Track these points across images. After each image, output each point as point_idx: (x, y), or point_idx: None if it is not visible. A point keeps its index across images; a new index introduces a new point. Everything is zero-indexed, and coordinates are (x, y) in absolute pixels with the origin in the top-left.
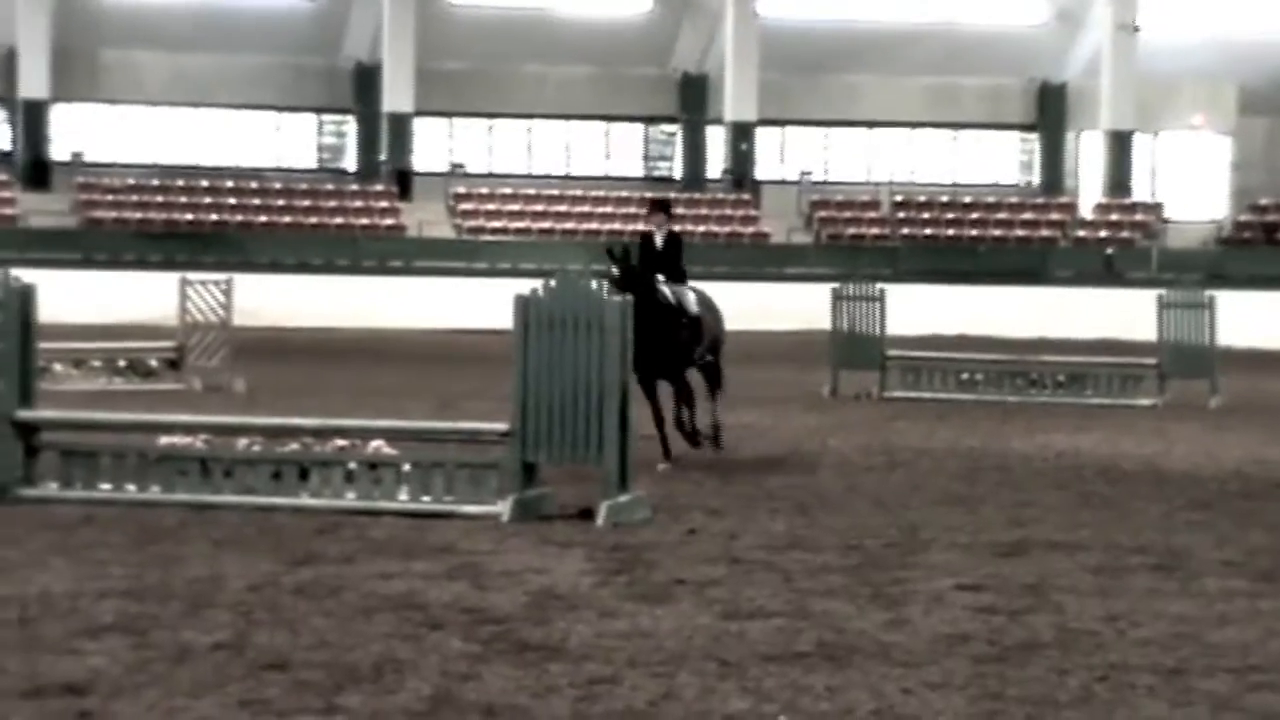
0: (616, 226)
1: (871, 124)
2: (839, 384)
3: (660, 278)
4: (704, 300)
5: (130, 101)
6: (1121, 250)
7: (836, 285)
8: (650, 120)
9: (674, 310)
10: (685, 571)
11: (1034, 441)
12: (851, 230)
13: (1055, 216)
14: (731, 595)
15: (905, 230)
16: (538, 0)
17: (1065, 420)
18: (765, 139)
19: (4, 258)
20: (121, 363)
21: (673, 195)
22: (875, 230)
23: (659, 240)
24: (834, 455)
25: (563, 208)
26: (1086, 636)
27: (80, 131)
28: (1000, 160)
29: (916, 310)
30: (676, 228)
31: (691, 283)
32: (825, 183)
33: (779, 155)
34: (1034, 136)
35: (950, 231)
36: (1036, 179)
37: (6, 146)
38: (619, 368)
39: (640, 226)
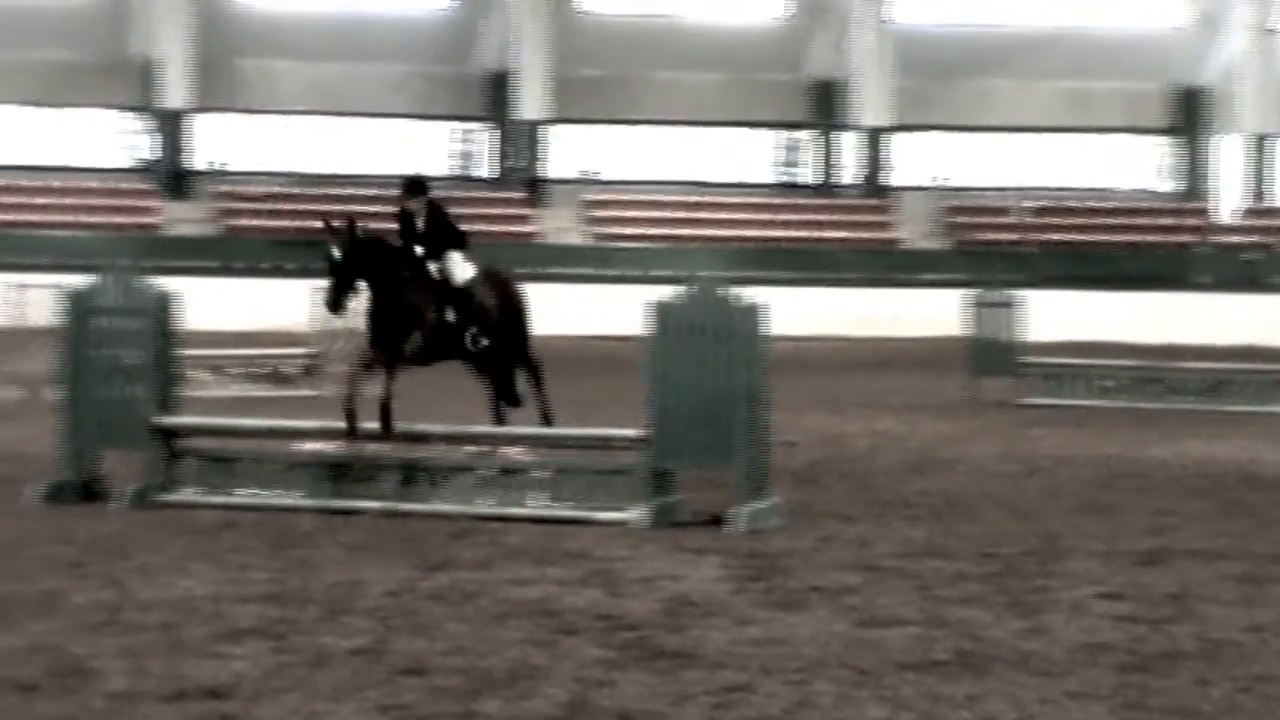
0: (749, 233)
1: (1006, 129)
2: (975, 391)
3: (418, 250)
4: (491, 275)
5: (268, 111)
6: (1261, 256)
7: (972, 292)
8: (783, 126)
9: (426, 280)
10: (820, 578)
11: (1173, 449)
12: (986, 236)
13: (1193, 222)
14: (867, 603)
15: (1041, 236)
16: (670, 7)
17: (1204, 427)
18: (899, 144)
19: (145, 266)
20: (259, 370)
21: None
22: (1010, 236)
23: (420, 222)
24: (970, 462)
25: (695, 214)
26: (1230, 647)
27: (220, 141)
28: (1137, 165)
29: (1052, 316)
30: (436, 200)
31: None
32: (960, 188)
33: (913, 161)
34: (1172, 141)
35: (1086, 237)
36: (1175, 184)
37: (148, 156)
38: (754, 374)
39: (678, 229)
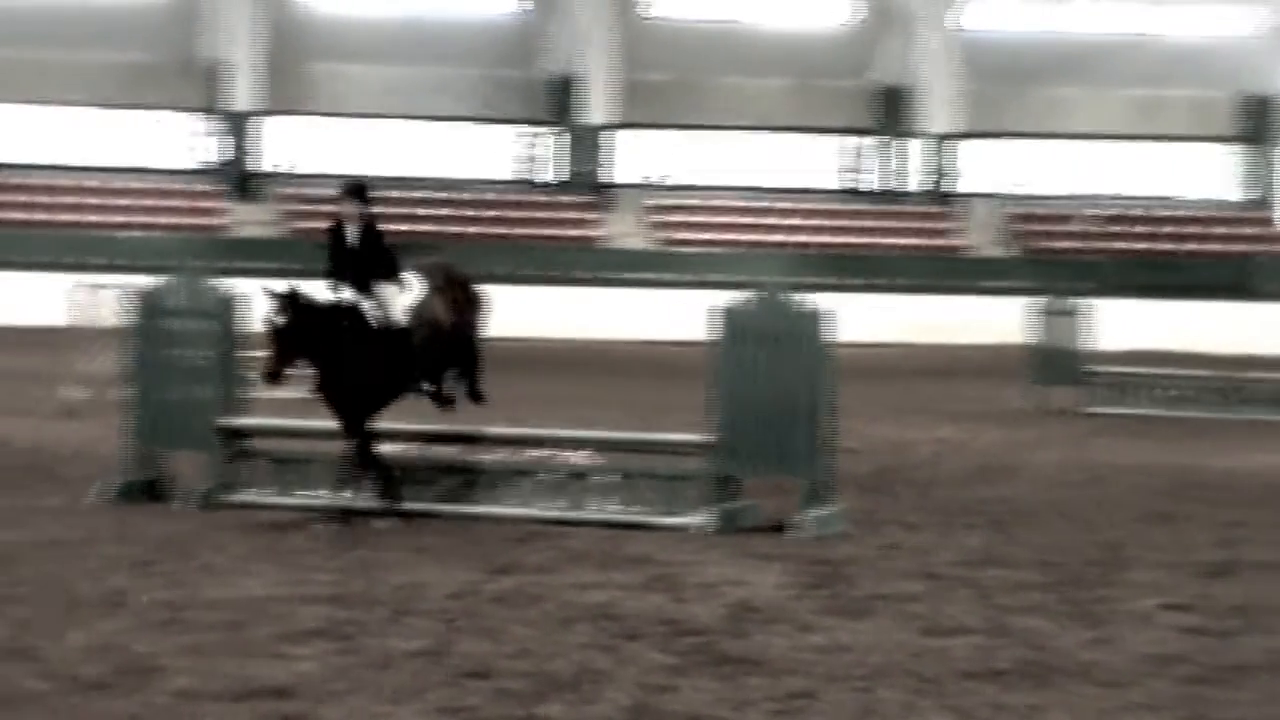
0: (813, 239)
1: (1074, 136)
2: (1039, 399)
3: (346, 294)
4: (439, 284)
5: (336, 114)
6: None
7: (1037, 299)
8: (848, 132)
9: (370, 337)
10: (884, 586)
11: (1240, 459)
12: (1052, 244)
13: (1262, 230)
14: (930, 611)
15: (1108, 244)
16: (736, 12)
17: (1271, 438)
18: (966, 151)
19: (213, 267)
20: None
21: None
22: (1076, 244)
23: (352, 233)
24: (1033, 471)
25: (759, 220)
26: None
27: (287, 143)
28: (1206, 173)
29: (1118, 325)
30: (371, 215)
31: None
32: (1026, 196)
33: (980, 168)
34: (1241, 149)
35: (1154, 245)
36: (1243, 193)
37: (216, 158)
38: (817, 380)
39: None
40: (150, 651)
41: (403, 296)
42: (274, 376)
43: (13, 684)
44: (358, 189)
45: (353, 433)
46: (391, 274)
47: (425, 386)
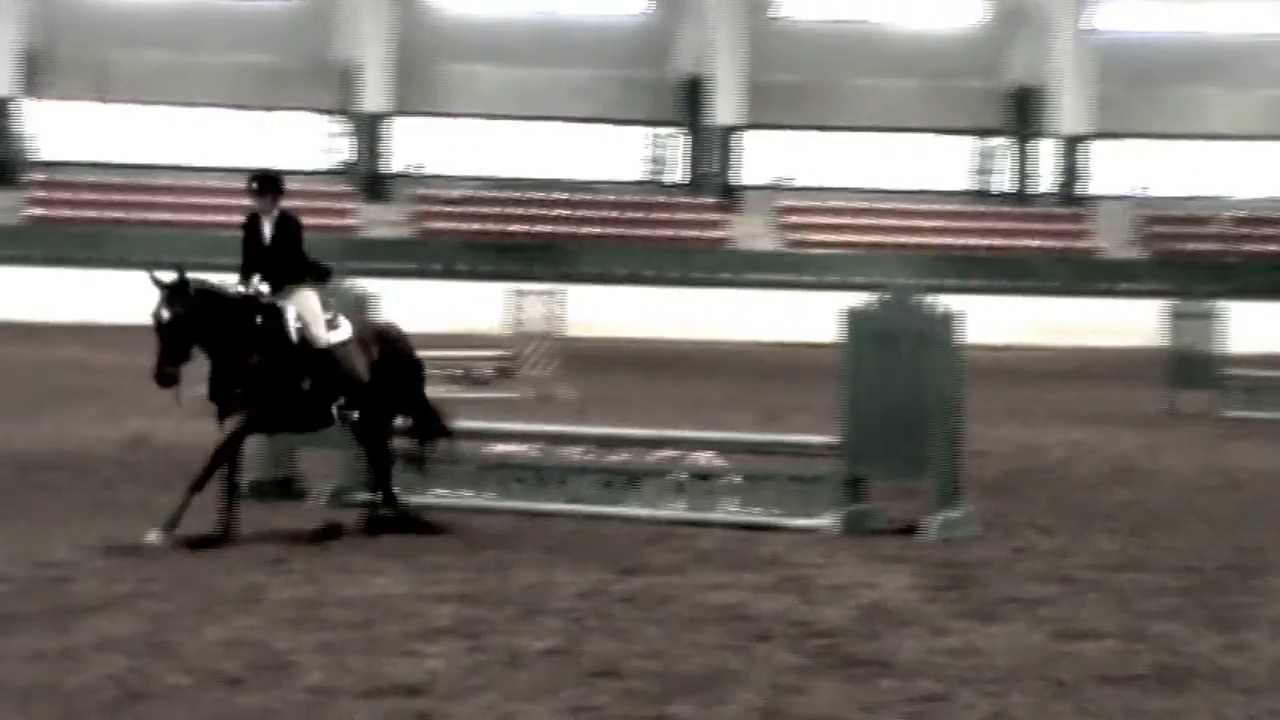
0: (942, 240)
1: (1207, 137)
2: (1173, 403)
3: (263, 289)
4: (373, 334)
5: (466, 115)
6: None
7: (1172, 302)
8: (978, 133)
9: (280, 341)
10: (1016, 589)
11: None
12: (1186, 246)
13: None
14: (1064, 615)
15: (1243, 246)
16: (865, 13)
17: None
18: (1098, 152)
19: (344, 267)
20: (454, 372)
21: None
22: (1211, 246)
23: (268, 228)
24: (1168, 475)
25: (889, 221)
26: None
27: (417, 144)
28: None
29: (1254, 328)
30: (290, 210)
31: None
32: (1160, 197)
33: (1112, 169)
34: None
35: None
36: None
37: (348, 159)
38: (947, 382)
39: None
40: (285, 648)
41: (340, 327)
42: (165, 379)
43: (153, 678)
44: (270, 180)
45: (229, 447)
46: (305, 275)
47: (341, 419)
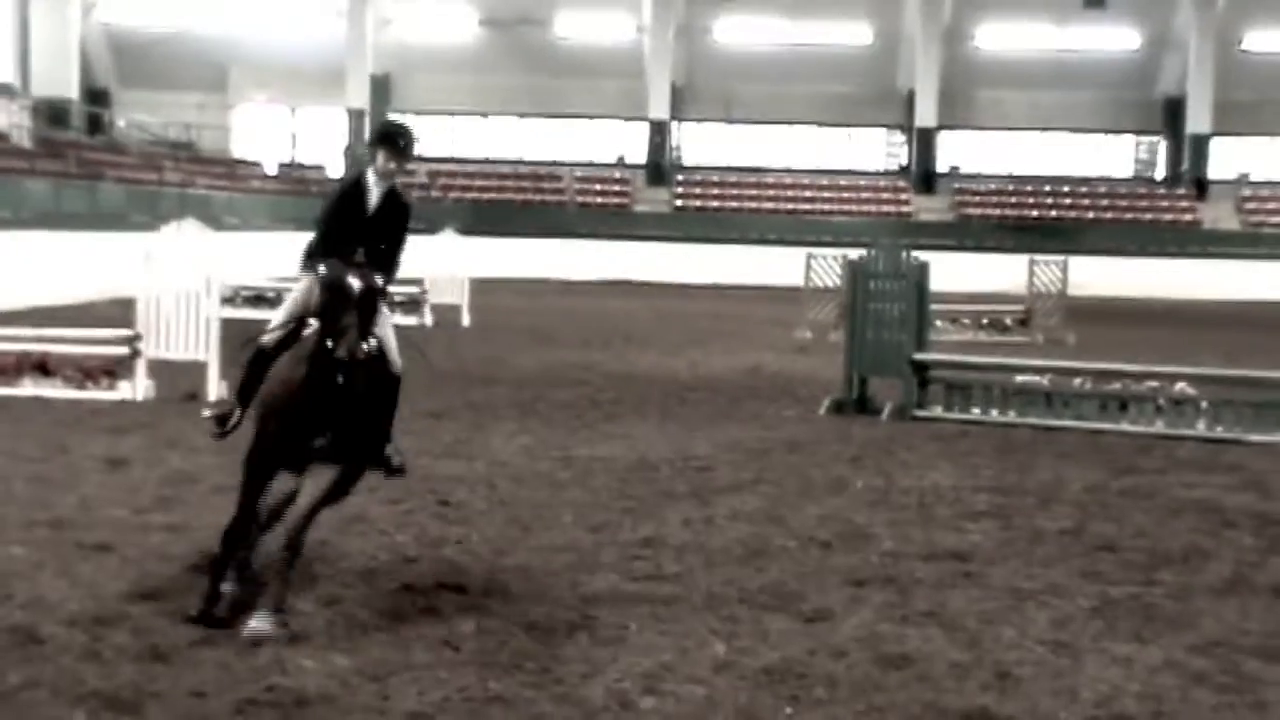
0: None
1: None
2: None
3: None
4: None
5: (995, 128)
6: None
7: None
8: None
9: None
10: None
11: None
12: None
13: None
14: None
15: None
16: None
17: None
18: None
19: (903, 244)
20: (984, 321)
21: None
22: None
23: (374, 197)
24: None
25: None
26: None
27: (958, 150)
28: None
29: None
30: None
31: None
32: None
33: None
34: None
35: None
36: None
37: (905, 163)
38: None
39: None
40: (864, 521)
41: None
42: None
43: (769, 540)
44: (398, 135)
45: (314, 512)
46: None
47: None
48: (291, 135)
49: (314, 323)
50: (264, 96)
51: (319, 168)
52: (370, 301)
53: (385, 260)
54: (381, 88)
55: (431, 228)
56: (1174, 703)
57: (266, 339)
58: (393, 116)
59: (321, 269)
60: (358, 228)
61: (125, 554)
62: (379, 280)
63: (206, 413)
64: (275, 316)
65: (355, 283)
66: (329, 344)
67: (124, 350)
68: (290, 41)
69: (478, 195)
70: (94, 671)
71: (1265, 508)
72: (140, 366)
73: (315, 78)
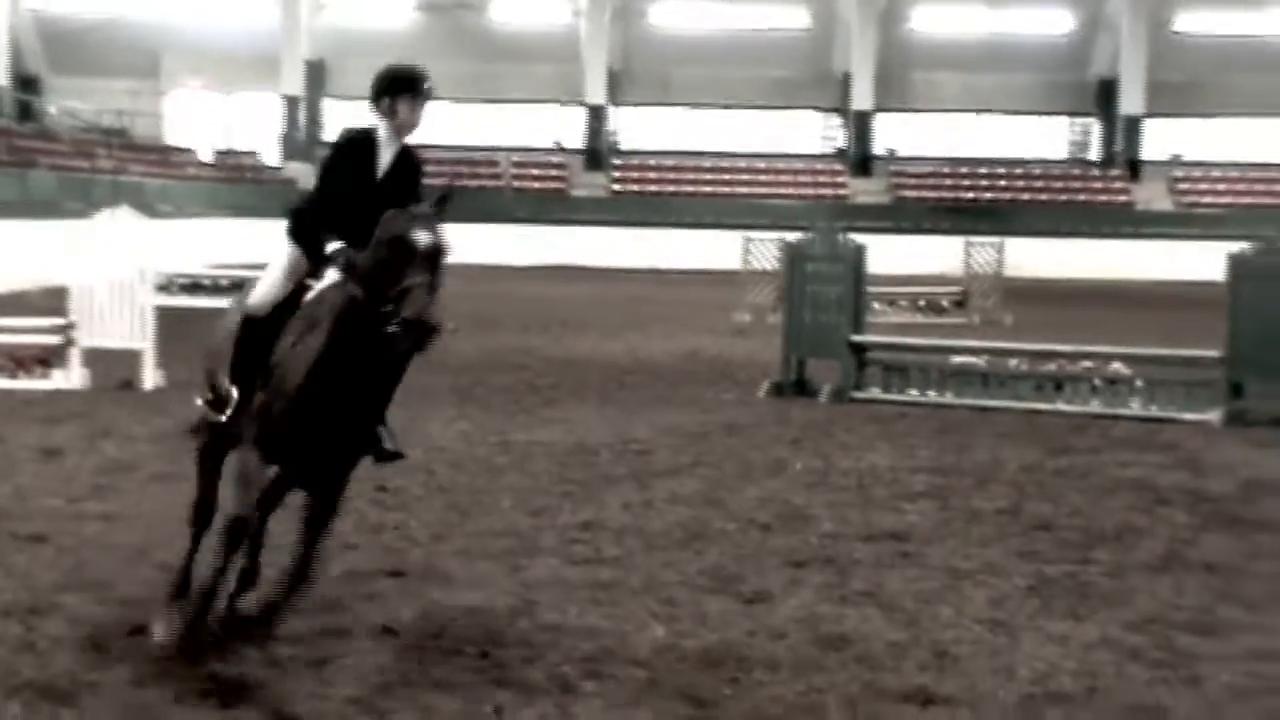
0: None
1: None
2: None
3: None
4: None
5: (931, 110)
6: None
7: None
8: None
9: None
10: None
11: None
12: None
13: None
14: None
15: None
16: (1249, 27)
17: None
18: None
19: (840, 227)
20: (921, 302)
21: None
22: None
23: (386, 157)
24: None
25: (1263, 187)
26: None
27: (893, 133)
28: None
29: None
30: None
31: None
32: None
33: None
34: None
35: None
36: None
37: (841, 146)
38: None
39: None
40: (803, 504)
41: None
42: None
43: (708, 523)
44: (414, 81)
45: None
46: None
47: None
48: (226, 122)
49: (316, 284)
50: (198, 83)
51: (254, 154)
52: (439, 258)
53: None
54: (317, 73)
55: None
56: (1109, 679)
57: (254, 303)
58: (328, 101)
59: (389, 221)
60: (366, 193)
61: (60, 543)
62: (445, 235)
63: (199, 401)
64: (258, 286)
65: (423, 236)
66: (387, 307)
67: (58, 339)
68: (223, 27)
69: None
70: (29, 662)
71: (1198, 485)
72: (74, 355)
73: (249, 64)
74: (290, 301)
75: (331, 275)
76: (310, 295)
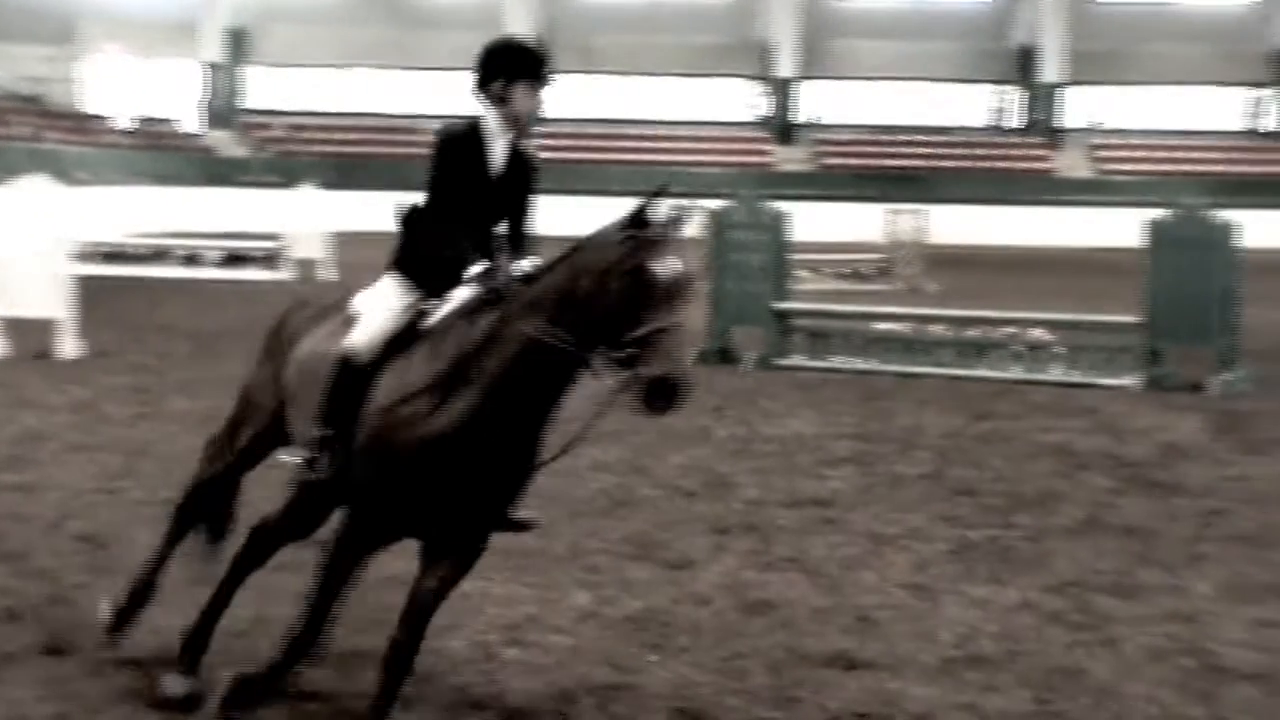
0: (1223, 169)
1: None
2: None
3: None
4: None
5: (854, 78)
6: None
7: None
8: (1249, 85)
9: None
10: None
11: None
12: None
13: None
14: None
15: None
16: None
17: None
18: None
19: (762, 194)
20: (845, 270)
21: None
22: None
23: (499, 155)
24: None
25: (1179, 155)
26: None
27: (817, 101)
28: None
29: None
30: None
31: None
32: None
33: None
34: None
35: None
36: None
37: (765, 113)
38: (1227, 276)
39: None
40: (727, 470)
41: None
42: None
43: (633, 491)
44: (537, 63)
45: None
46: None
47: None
48: (145, 89)
49: (435, 314)
50: (115, 48)
51: (172, 121)
52: (684, 294)
53: (514, 239)
54: (239, 40)
55: (290, 181)
56: (1030, 642)
57: (357, 344)
58: (249, 69)
59: (609, 245)
60: (481, 194)
61: None
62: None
63: (285, 458)
64: (359, 323)
65: (670, 266)
66: (622, 357)
67: None
68: None
69: (337, 149)
70: None
71: (1117, 450)
72: None
73: (169, 30)
74: (400, 342)
75: (460, 297)
76: (431, 322)
